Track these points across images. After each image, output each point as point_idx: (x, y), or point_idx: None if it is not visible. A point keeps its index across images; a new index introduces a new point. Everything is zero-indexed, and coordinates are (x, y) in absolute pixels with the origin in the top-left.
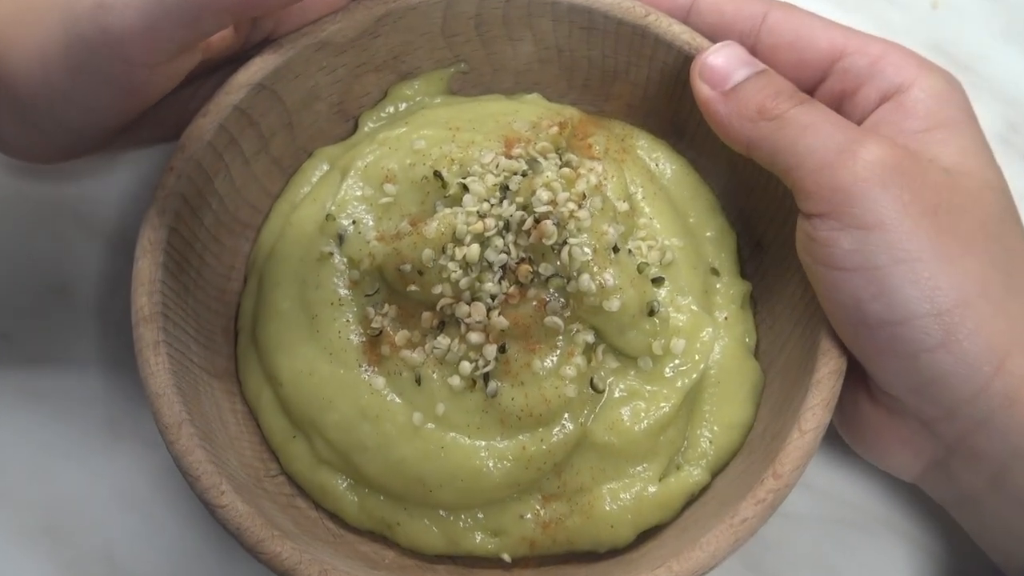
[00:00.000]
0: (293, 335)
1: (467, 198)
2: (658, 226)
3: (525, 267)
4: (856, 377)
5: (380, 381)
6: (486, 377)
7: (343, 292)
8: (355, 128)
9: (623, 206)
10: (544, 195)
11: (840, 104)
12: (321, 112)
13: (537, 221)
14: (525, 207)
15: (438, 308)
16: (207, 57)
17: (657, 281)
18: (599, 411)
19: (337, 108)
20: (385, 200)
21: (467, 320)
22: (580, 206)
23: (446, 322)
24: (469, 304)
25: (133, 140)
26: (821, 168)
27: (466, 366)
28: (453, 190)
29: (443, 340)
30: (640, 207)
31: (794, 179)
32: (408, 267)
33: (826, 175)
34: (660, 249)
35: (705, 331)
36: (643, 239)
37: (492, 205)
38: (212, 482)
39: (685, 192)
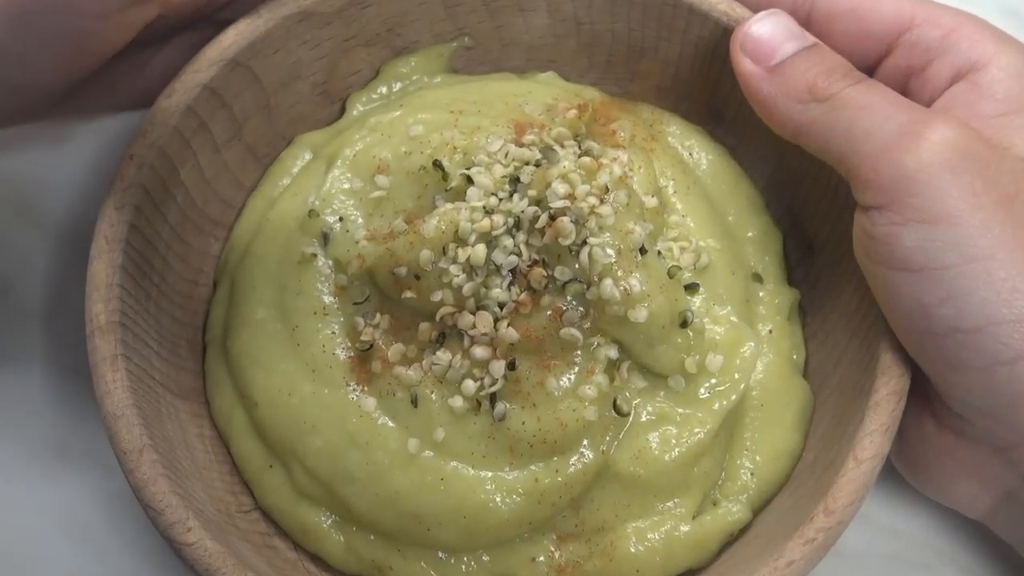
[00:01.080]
0: (270, 349)
1: (472, 191)
2: (692, 225)
3: (538, 271)
4: (918, 397)
5: (370, 402)
6: (493, 398)
7: (328, 299)
8: (342, 112)
9: (652, 201)
10: (560, 188)
11: (906, 82)
12: (303, 93)
13: (552, 218)
14: (539, 202)
15: (438, 318)
16: (166, 13)
17: (691, 288)
18: (623, 437)
19: (321, 88)
20: (377, 194)
21: (471, 332)
22: (602, 201)
23: (447, 334)
24: (474, 314)
25: (82, 107)
26: (880, 153)
27: (470, 385)
28: (455, 183)
29: (443, 355)
30: (671, 203)
31: (849, 166)
32: (403, 271)
33: (885, 161)
34: (694, 251)
35: (746, 346)
36: (675, 239)
37: (500, 200)
38: (177, 516)
39: (723, 186)
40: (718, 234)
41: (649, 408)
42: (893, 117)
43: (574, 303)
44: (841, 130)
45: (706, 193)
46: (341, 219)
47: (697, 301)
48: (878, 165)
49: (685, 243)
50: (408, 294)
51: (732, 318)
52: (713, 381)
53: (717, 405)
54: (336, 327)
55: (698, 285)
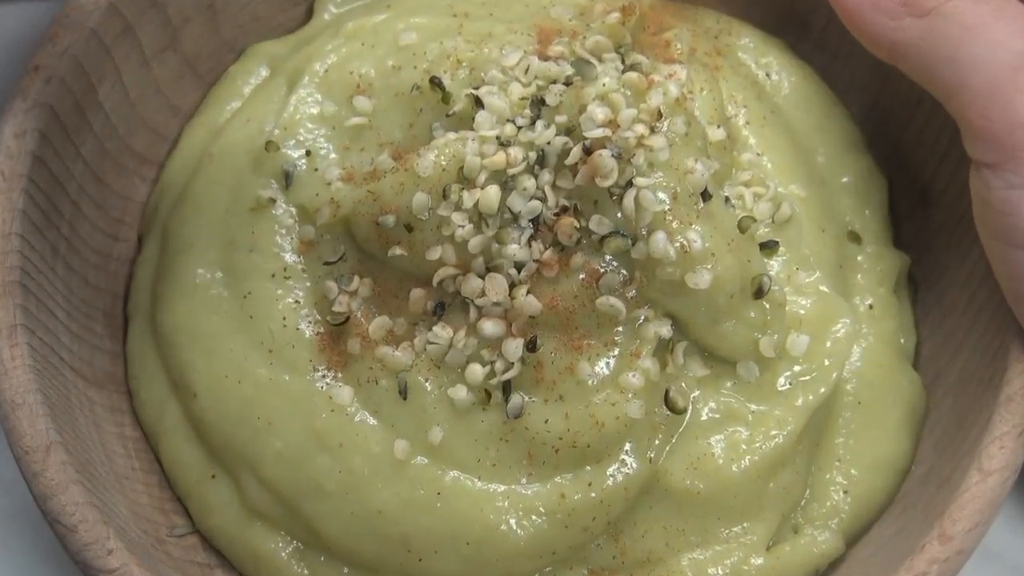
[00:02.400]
0: (213, 322)
1: (481, 117)
2: (769, 166)
3: (568, 221)
4: None
5: (345, 393)
6: (506, 388)
7: (290, 258)
8: (309, 15)
9: (717, 133)
10: (598, 113)
11: None
12: None
13: (588, 152)
14: (569, 131)
15: (435, 283)
16: None
17: (768, 247)
18: (677, 442)
19: None
20: (355, 121)
21: (479, 301)
22: (653, 130)
23: (446, 304)
24: (483, 277)
25: None
26: (991, 91)
27: (476, 371)
28: (459, 106)
29: (442, 332)
30: (742, 136)
31: (955, 105)
32: (390, 220)
33: (998, 101)
34: (772, 199)
35: (839, 324)
36: (747, 184)
37: (519, 128)
38: (95, 535)
39: (811, 117)
40: (803, 179)
41: (712, 403)
42: (1009, 42)
43: (614, 264)
44: (944, 55)
45: (788, 125)
46: (308, 153)
47: (776, 264)
48: (989, 108)
49: (761, 189)
50: (396, 251)
51: (821, 287)
52: (796, 369)
53: (801, 400)
54: (300, 294)
55: (777, 244)
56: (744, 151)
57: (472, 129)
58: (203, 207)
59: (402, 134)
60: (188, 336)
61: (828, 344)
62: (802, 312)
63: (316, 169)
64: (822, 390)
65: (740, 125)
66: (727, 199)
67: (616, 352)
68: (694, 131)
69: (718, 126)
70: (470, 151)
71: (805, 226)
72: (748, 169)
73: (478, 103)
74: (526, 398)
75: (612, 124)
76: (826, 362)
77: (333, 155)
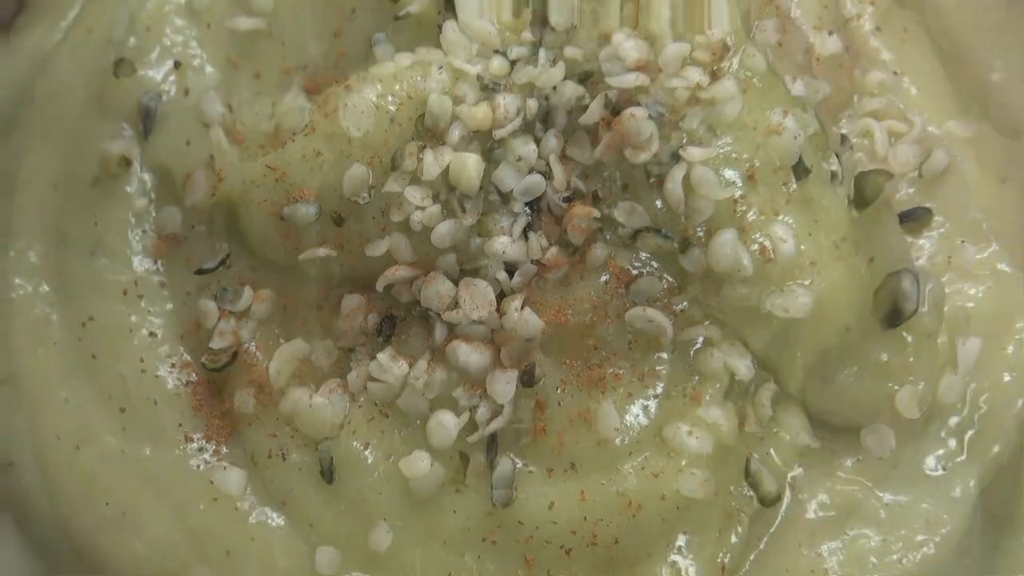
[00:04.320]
0: (40, 360)
1: (452, 31)
2: (913, 90)
3: (583, 211)
4: None
5: (233, 478)
6: (491, 448)
7: (140, 264)
8: None
9: (829, 43)
10: (631, 48)
11: None
12: None
13: (614, 110)
14: (586, 76)
15: (379, 287)
16: None
17: (914, 218)
18: (768, 548)
19: None
20: (248, 24)
21: (449, 316)
22: (715, 75)
23: (397, 319)
24: (455, 281)
25: None
26: None
27: (446, 424)
28: (418, 3)
29: (390, 363)
30: (870, 47)
31: None
32: (307, 212)
33: None
34: (919, 142)
35: None
36: (877, 115)
37: (513, 63)
38: None
39: (980, 15)
40: (969, 110)
41: (823, 493)
42: None
43: (654, 264)
44: None
45: (945, 28)
46: (177, 65)
47: (927, 244)
48: None
49: (900, 124)
50: (318, 253)
51: (1001, 266)
52: (953, 421)
53: (960, 489)
54: (157, 321)
55: (930, 212)
56: (874, 67)
57: (438, 47)
58: (22, 184)
59: (322, 50)
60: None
61: (1010, 349)
62: (971, 305)
63: (187, 93)
64: (996, 449)
65: (866, 31)
66: (844, 137)
67: (659, 390)
68: (791, 41)
69: (830, 32)
70: (435, 86)
71: (974, 178)
72: (880, 95)
73: (448, 3)
74: (519, 464)
75: (651, 67)
76: (1007, 377)
77: (212, 72)
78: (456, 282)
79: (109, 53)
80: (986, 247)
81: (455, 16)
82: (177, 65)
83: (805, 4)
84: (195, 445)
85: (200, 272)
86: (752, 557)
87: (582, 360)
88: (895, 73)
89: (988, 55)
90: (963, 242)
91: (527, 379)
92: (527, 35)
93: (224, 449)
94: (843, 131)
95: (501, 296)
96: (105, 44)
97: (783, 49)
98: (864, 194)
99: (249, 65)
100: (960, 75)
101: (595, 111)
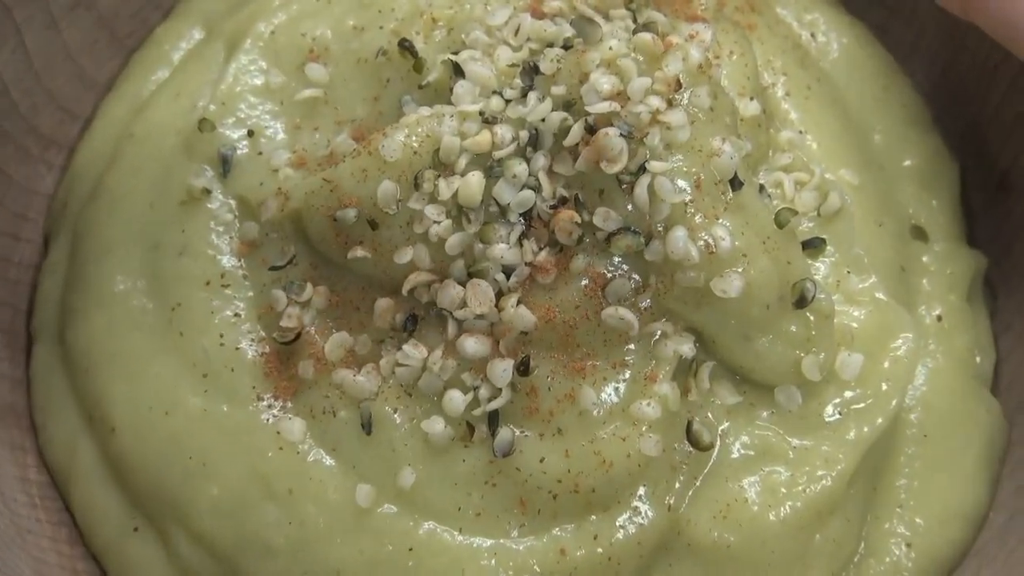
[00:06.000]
0: (136, 341)
1: (461, 88)
2: (814, 146)
3: (567, 215)
4: None
5: (296, 427)
6: (493, 419)
7: (228, 262)
8: None
9: (751, 107)
10: (604, 83)
11: None
12: None
13: (591, 131)
14: (569, 105)
15: (405, 292)
16: None
17: (813, 246)
18: (702, 485)
19: None
20: (308, 94)
21: (459, 314)
22: (671, 103)
23: (419, 317)
24: (463, 284)
25: None
26: None
27: (456, 399)
28: (435, 74)
29: (413, 351)
30: (782, 110)
31: None
32: (350, 215)
33: None
34: (818, 188)
35: (900, 340)
36: (787, 168)
37: (508, 102)
38: None
39: (866, 87)
40: (856, 163)
41: (744, 438)
42: None
43: (624, 267)
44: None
45: (838, 98)
46: (251, 133)
47: (822, 267)
48: None
49: (804, 175)
50: (358, 252)
51: (878, 295)
52: (847, 395)
53: (853, 433)
54: (241, 306)
55: (824, 241)
56: (784, 129)
57: (450, 103)
58: (122, 201)
59: (365, 110)
60: (105, 358)
61: (886, 364)
62: (855, 326)
63: (260, 153)
64: (879, 420)
65: (779, 97)
66: (762, 187)
67: (627, 375)
68: (721, 104)
69: (751, 98)
70: (447, 130)
71: (858, 220)
72: (788, 151)
73: (457, 71)
74: (517, 432)
75: (621, 97)
76: (884, 386)
77: (281, 136)
78: (463, 284)
79: (193, 114)
80: (867, 278)
81: (463, 77)
82: (251, 134)
83: (732, 75)
84: (264, 403)
85: (273, 269)
86: (690, 494)
87: (567, 352)
88: (801, 132)
89: (870, 119)
90: (849, 272)
91: (523, 369)
92: (517, 81)
93: (288, 405)
94: (761, 182)
95: (500, 295)
96: (190, 106)
97: (714, 112)
98: (777, 224)
99: (308, 124)
100: (851, 132)
101: (576, 133)
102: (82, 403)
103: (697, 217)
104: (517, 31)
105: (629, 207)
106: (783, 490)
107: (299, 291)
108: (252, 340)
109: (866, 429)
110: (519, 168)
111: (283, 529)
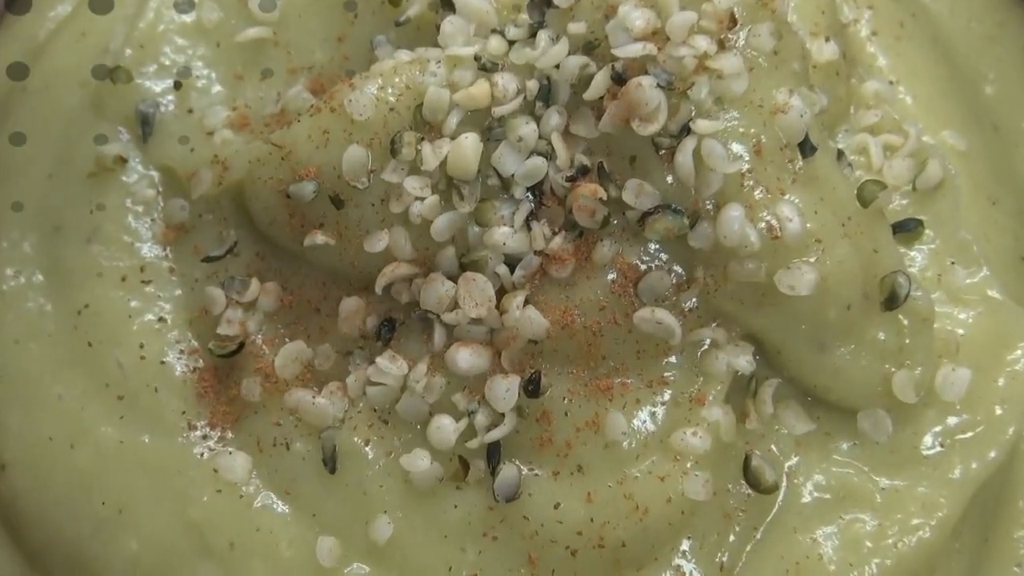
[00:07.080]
0: (31, 354)
1: (450, 26)
2: (909, 100)
3: (590, 189)
4: None
5: (239, 462)
6: (493, 453)
7: (149, 251)
8: None
9: (826, 50)
10: (637, 18)
11: None
12: None
13: (620, 80)
14: (591, 48)
15: (379, 289)
16: None
17: (907, 230)
18: (764, 537)
19: None
20: (253, 33)
21: (448, 318)
22: (723, 45)
23: (397, 322)
24: (454, 279)
25: None
26: None
27: (445, 428)
28: (417, 8)
29: (390, 365)
30: (867, 55)
31: None
32: (308, 189)
33: None
34: (914, 154)
35: (1019, 350)
36: (873, 129)
37: (512, 43)
38: None
39: (975, 24)
40: (964, 122)
41: (818, 476)
42: None
43: (663, 257)
44: None
45: (939, 38)
46: (178, 86)
47: (919, 257)
48: None
49: (895, 137)
50: (317, 239)
51: (991, 292)
52: (952, 422)
53: (959, 471)
54: (167, 308)
55: (921, 224)
56: (869, 78)
57: (437, 45)
58: (13, 172)
59: (326, 54)
60: None
61: (1001, 381)
62: (961, 332)
63: (190, 111)
64: (992, 454)
65: (863, 37)
66: (841, 153)
67: (667, 397)
68: (788, 47)
69: (827, 39)
70: (433, 79)
71: (965, 196)
72: (875, 107)
73: (446, 3)
74: (524, 469)
75: (658, 36)
76: (998, 410)
77: (217, 88)
78: (454, 279)
79: (103, 59)
80: (977, 271)
81: (453, 11)
82: (177, 86)
83: (802, 9)
84: (198, 432)
85: (207, 260)
86: (748, 548)
87: (589, 370)
88: (891, 82)
89: (981, 66)
90: (953, 263)
91: (532, 389)
92: (524, 17)
93: (229, 435)
94: (840, 146)
95: (502, 293)
96: (100, 51)
97: (778, 56)
98: (861, 200)
99: (253, 72)
100: (957, 83)
101: (600, 83)
102: None
103: (757, 192)
104: None
105: (669, 179)
106: (868, 544)
107: (241, 289)
108: (181, 352)
109: (975, 465)
110: (526, 129)
111: None
